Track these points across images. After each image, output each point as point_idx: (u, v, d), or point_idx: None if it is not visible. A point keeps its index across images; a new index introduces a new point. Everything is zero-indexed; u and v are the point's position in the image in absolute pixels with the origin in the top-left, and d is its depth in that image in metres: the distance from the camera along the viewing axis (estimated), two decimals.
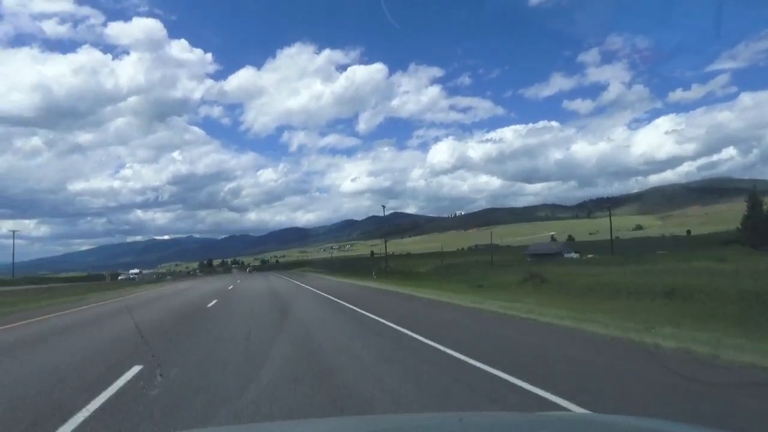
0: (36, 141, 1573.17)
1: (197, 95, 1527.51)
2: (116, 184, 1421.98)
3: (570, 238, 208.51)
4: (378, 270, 53.43)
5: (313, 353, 7.63)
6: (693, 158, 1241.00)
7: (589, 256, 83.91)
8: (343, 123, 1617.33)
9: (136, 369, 6.46)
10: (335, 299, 19.25)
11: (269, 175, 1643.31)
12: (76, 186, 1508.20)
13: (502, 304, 14.08)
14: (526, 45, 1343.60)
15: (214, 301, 19.19)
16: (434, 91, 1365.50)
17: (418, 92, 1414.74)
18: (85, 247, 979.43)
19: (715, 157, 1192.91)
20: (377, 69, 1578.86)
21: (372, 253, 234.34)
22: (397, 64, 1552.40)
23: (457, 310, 14.05)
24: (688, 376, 5.51)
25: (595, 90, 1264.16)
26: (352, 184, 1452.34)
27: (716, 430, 2.73)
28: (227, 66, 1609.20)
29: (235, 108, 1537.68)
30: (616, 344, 7.81)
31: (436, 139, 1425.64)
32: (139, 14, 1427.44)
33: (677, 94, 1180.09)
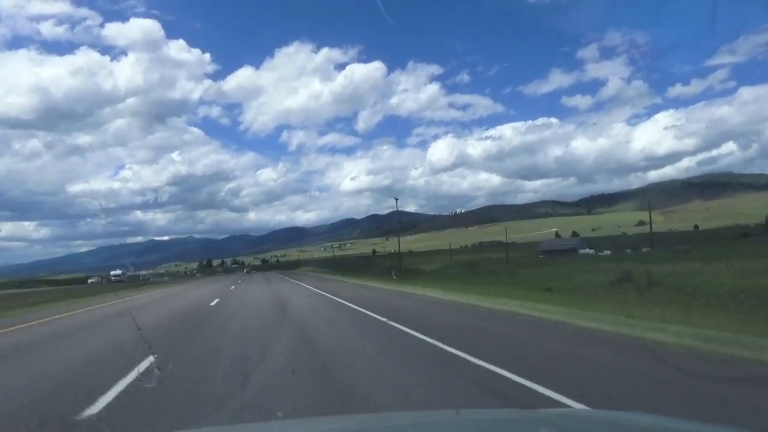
0: (35, 143, 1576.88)
1: (196, 95, 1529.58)
2: (116, 185, 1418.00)
3: (574, 233, 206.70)
4: (388, 269, 50.30)
5: None
6: (693, 153, 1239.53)
7: (606, 252, 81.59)
8: (342, 122, 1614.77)
9: None
10: (394, 324, 11.10)
11: (269, 175, 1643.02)
12: (76, 187, 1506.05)
13: (659, 326, 8.69)
14: (525, 42, 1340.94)
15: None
16: (433, 88, 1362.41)
17: (417, 90, 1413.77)
18: (84, 249, 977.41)
19: (714, 152, 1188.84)
20: (376, 67, 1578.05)
21: (374, 251, 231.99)
22: (395, 62, 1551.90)
23: (605, 344, 7.89)
24: None
25: (594, 86, 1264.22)
26: (352, 182, 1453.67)
27: (717, 428, 2.60)
28: (225, 66, 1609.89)
29: (233, 108, 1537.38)
30: None
31: (436, 137, 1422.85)
32: (137, 15, 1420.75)
33: (676, 90, 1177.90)
